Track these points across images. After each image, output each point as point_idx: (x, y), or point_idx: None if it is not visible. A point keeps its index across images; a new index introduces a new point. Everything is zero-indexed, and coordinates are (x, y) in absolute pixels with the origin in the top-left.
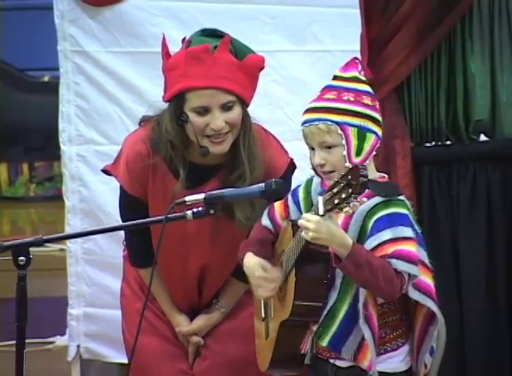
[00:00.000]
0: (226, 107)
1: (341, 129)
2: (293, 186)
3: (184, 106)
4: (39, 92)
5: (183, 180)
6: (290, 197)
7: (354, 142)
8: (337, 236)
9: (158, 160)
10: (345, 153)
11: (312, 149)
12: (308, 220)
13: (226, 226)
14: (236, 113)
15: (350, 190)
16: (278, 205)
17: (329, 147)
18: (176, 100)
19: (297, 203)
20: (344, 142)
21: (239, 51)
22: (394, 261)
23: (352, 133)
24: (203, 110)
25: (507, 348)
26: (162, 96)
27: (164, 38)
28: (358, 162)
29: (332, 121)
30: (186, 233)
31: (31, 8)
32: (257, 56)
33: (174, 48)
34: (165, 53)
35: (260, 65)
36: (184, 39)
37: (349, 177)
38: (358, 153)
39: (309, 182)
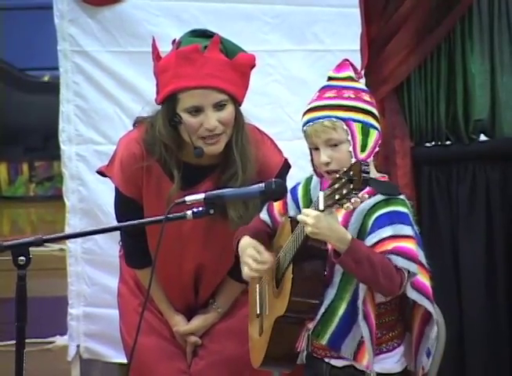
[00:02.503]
0: (219, 106)
1: (346, 125)
2: (291, 185)
3: (177, 107)
4: (39, 92)
5: (178, 182)
6: (288, 195)
7: (359, 138)
8: (336, 231)
9: (152, 162)
10: (351, 148)
11: (316, 149)
12: (308, 215)
13: (220, 225)
14: (228, 111)
15: (351, 186)
16: (277, 202)
17: (335, 145)
18: (169, 102)
19: (295, 200)
20: (349, 137)
21: (229, 50)
22: (393, 257)
23: (357, 129)
24: (196, 110)
25: (507, 347)
26: (154, 99)
27: (153, 41)
28: (364, 158)
29: (337, 117)
30: (181, 232)
31: (31, 7)
32: (248, 54)
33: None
34: (156, 56)
35: (251, 63)
36: (174, 41)
37: (351, 173)
38: (363, 149)
39: (309, 180)
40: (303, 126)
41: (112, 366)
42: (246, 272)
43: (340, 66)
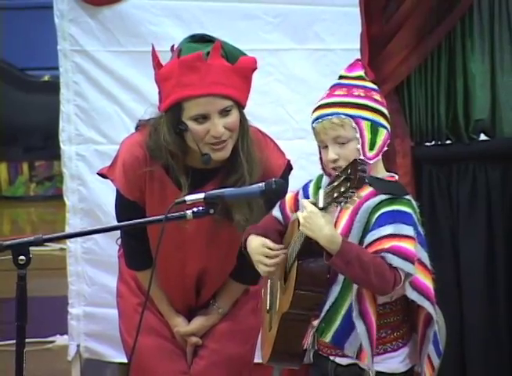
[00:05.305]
0: (224, 112)
1: (355, 123)
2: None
3: (182, 115)
4: (39, 92)
5: (186, 187)
6: (300, 192)
7: (367, 136)
8: (324, 232)
9: (156, 167)
10: (359, 146)
11: (325, 147)
12: (305, 207)
13: (223, 230)
14: (234, 117)
15: (348, 184)
16: (289, 199)
17: (343, 142)
18: (173, 110)
19: (306, 197)
20: (358, 135)
21: (230, 55)
22: (389, 256)
23: (366, 127)
24: (202, 118)
25: (507, 348)
26: (158, 107)
27: (153, 48)
28: (372, 156)
29: (346, 115)
30: (184, 237)
31: (31, 7)
32: (249, 57)
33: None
34: (156, 63)
35: (252, 66)
36: (172, 47)
37: (349, 171)
38: (371, 147)
39: (320, 177)
40: (312, 123)
41: (112, 366)
42: (263, 269)
43: (352, 66)
